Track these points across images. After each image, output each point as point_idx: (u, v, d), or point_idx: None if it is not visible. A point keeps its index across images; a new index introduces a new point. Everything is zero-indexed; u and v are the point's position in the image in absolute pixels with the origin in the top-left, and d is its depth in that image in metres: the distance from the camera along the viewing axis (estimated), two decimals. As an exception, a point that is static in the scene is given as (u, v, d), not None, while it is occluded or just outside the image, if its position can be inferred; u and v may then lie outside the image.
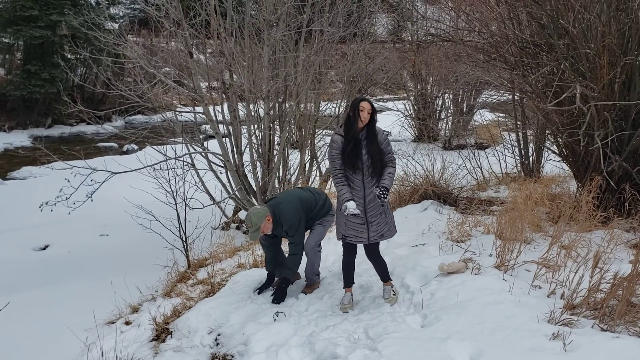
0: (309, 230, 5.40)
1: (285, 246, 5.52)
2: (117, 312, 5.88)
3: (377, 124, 4.83)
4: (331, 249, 6.45)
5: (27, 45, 20.13)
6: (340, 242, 4.91)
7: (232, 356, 4.38)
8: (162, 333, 5.04)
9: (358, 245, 4.82)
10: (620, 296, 3.81)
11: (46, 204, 7.48)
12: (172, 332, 4.97)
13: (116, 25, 19.11)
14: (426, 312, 4.30)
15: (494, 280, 4.59)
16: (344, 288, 5.00)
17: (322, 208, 5.37)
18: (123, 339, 5.02)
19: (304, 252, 5.30)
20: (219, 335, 4.72)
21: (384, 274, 4.91)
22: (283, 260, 5.40)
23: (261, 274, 5.88)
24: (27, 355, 5.28)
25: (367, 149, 4.61)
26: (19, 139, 18.31)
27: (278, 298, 5.12)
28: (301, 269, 5.60)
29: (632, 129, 6.00)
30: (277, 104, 8.77)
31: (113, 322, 5.73)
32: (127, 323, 5.60)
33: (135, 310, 5.96)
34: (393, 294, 4.86)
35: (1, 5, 20.17)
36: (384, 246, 6.31)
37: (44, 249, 8.82)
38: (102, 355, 4.08)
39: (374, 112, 4.70)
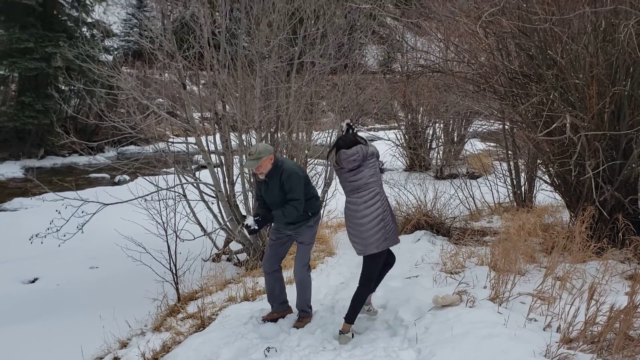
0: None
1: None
2: (106, 348, 5.77)
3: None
4: (323, 282, 6.38)
5: (22, 76, 20.22)
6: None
7: (222, 394, 4.27)
8: (151, 369, 4.93)
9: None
10: (617, 329, 3.75)
11: (36, 235, 7.38)
12: (161, 368, 4.86)
13: (110, 58, 19.22)
14: (420, 347, 4.23)
15: (489, 313, 4.52)
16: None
17: (316, 200, 5.33)
18: (111, 376, 4.91)
19: (295, 278, 5.28)
20: (208, 371, 4.60)
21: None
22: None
23: (252, 307, 5.81)
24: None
25: None
26: (11, 170, 18.22)
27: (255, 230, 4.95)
28: (292, 302, 5.52)
29: (623, 158, 6.00)
30: (269, 134, 8.74)
31: (101, 358, 5.65)
32: (116, 358, 5.51)
33: (124, 345, 5.86)
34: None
35: (-3, 38, 20.34)
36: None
37: (33, 282, 8.68)
38: (89, 394, 3.95)
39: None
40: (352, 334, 4.90)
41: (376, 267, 4.95)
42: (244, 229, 4.98)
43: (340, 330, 4.89)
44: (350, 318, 4.87)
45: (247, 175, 8.59)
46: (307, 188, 5.20)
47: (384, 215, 4.86)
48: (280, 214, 4.96)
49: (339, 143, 5.06)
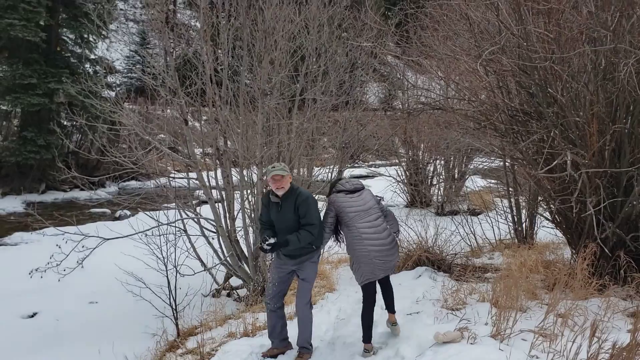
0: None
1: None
2: (104, 384, 5.72)
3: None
4: (323, 318, 6.34)
5: (25, 112, 20.37)
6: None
7: None
8: (149, 407, 4.88)
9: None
10: (620, 367, 3.72)
11: (36, 270, 7.40)
12: (159, 405, 4.81)
13: (113, 94, 19.49)
14: (422, 384, 4.18)
15: (491, 350, 4.48)
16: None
17: (323, 232, 5.34)
18: (109, 413, 4.86)
19: (297, 315, 5.28)
20: (207, 409, 4.56)
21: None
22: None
23: (251, 343, 5.77)
24: None
25: None
26: (12, 204, 18.25)
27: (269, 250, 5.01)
28: (292, 337, 5.49)
29: (624, 195, 6.01)
30: (266, 176, 8.80)
31: (99, 395, 5.58)
32: (114, 395, 5.44)
33: (122, 381, 5.80)
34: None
35: (1, 74, 20.52)
36: (377, 315, 6.25)
37: (32, 316, 8.64)
38: None
39: None
40: (374, 351, 5.21)
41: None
42: (262, 243, 4.96)
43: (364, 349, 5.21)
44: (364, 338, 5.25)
45: (248, 210, 8.63)
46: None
47: None
48: (296, 239, 4.96)
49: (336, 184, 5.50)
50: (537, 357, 4.35)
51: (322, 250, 5.63)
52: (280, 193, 5.08)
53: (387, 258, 5.26)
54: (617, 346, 3.85)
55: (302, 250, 5.15)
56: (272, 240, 4.96)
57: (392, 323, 5.53)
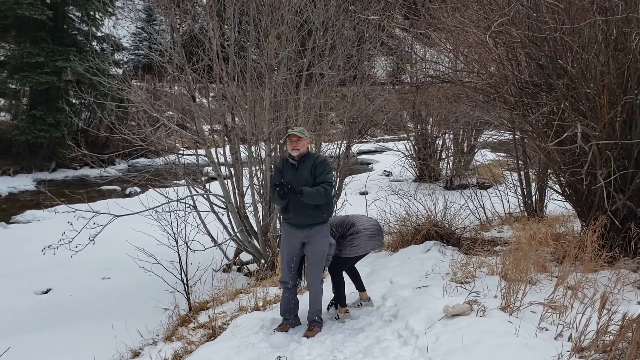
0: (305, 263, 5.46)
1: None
2: (118, 357, 5.84)
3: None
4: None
5: (33, 90, 20.39)
6: None
7: (233, 403, 4.28)
8: (162, 379, 4.95)
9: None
10: (629, 338, 3.72)
11: (49, 247, 7.47)
12: (172, 378, 4.87)
13: (120, 71, 19.39)
14: (431, 356, 4.20)
15: (500, 323, 4.49)
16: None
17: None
18: (123, 385, 4.94)
19: (309, 290, 5.34)
20: (220, 381, 4.61)
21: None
22: None
23: (262, 317, 5.81)
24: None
25: None
26: (24, 182, 18.38)
27: (282, 191, 4.97)
28: (302, 313, 5.53)
29: (635, 167, 5.98)
30: (278, 146, 8.80)
31: (114, 368, 5.66)
32: (128, 368, 5.52)
33: (136, 354, 5.89)
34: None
35: (9, 52, 20.52)
36: (386, 288, 6.28)
37: (46, 292, 8.75)
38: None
39: None
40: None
41: None
42: (279, 188, 4.95)
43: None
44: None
45: (257, 186, 8.64)
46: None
47: None
48: (311, 190, 4.97)
49: None
50: (546, 329, 4.36)
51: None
52: (294, 154, 5.13)
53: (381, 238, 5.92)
54: (627, 318, 3.85)
55: (311, 219, 5.15)
56: (289, 186, 4.93)
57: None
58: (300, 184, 5.04)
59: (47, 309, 8.00)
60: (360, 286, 5.99)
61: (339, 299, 5.74)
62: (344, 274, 5.80)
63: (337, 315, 5.65)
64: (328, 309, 5.74)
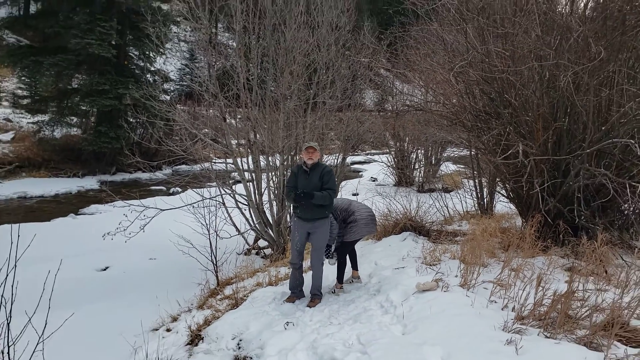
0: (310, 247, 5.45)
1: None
2: (160, 321, 5.80)
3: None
4: (332, 271, 6.36)
5: (99, 111, 20.41)
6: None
7: (251, 358, 4.27)
8: (195, 338, 4.95)
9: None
10: (559, 310, 3.73)
11: (108, 234, 7.48)
12: (203, 337, 4.86)
13: (168, 97, 19.44)
14: (406, 322, 4.19)
15: (460, 296, 4.49)
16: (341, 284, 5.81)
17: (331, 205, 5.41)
18: (164, 343, 4.93)
19: (312, 269, 5.32)
20: (240, 340, 4.60)
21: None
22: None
23: (275, 290, 5.80)
24: (87, 356, 5.16)
25: None
26: (89, 183, 18.38)
27: (298, 197, 5.07)
28: (307, 287, 5.52)
29: (563, 177, 5.99)
30: (289, 157, 8.81)
31: (157, 329, 5.65)
32: (168, 330, 5.52)
33: (174, 319, 5.87)
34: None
35: (81, 82, 20.59)
36: (371, 269, 6.26)
37: (105, 269, 8.73)
38: (147, 357, 3.97)
39: None
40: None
41: None
42: (294, 194, 5.07)
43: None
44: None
45: (273, 188, 8.64)
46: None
47: None
48: (320, 194, 5.05)
49: None
50: (495, 302, 4.36)
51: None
52: (309, 162, 5.16)
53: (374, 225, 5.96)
54: (557, 293, 3.86)
55: (316, 214, 5.17)
56: (303, 191, 5.06)
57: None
58: (310, 187, 5.11)
59: (105, 283, 7.98)
60: (354, 265, 5.98)
61: (338, 276, 5.75)
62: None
63: (334, 290, 5.65)
64: (327, 256, 5.59)
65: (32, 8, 25.93)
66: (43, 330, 3.02)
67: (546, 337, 3.55)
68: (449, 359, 3.38)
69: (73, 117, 21.22)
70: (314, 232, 5.25)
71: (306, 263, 6.28)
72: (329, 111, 9.46)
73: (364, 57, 10.08)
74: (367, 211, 5.80)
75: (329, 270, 6.01)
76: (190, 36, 36.96)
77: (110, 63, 19.91)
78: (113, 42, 19.50)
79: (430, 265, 5.78)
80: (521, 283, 4.49)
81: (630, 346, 3.33)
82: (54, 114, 20.50)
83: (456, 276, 5.12)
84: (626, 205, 6.17)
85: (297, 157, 9.00)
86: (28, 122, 21.53)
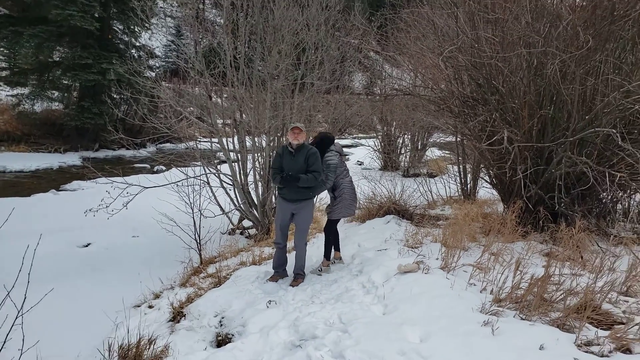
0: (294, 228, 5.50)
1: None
2: (142, 298, 5.82)
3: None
4: (314, 252, 6.43)
5: (82, 86, 20.05)
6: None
7: (233, 335, 4.33)
8: (177, 315, 4.99)
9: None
10: (535, 293, 3.84)
11: (90, 210, 7.41)
12: (185, 314, 4.91)
13: (153, 74, 19.18)
14: (387, 303, 4.28)
15: (440, 279, 4.59)
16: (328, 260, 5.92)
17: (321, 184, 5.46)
18: (146, 320, 4.96)
19: (295, 249, 5.39)
20: (222, 318, 4.66)
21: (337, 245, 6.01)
22: None
23: (258, 270, 5.85)
24: (68, 331, 5.18)
25: None
26: (72, 159, 18.12)
27: (283, 179, 5.12)
28: (290, 268, 5.58)
29: (546, 164, 6.09)
30: (276, 138, 8.79)
31: (139, 306, 5.67)
32: (150, 307, 5.54)
33: (157, 296, 5.90)
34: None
35: (63, 55, 20.15)
36: (355, 250, 6.34)
37: (87, 246, 8.67)
38: (128, 333, 4.00)
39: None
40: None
41: None
42: (280, 177, 5.11)
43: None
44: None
45: (258, 169, 8.64)
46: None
47: None
48: (305, 177, 5.09)
49: (328, 138, 5.73)
50: (474, 284, 4.46)
51: (315, 200, 5.73)
52: (295, 143, 5.17)
53: (353, 204, 5.96)
54: (534, 277, 3.96)
55: (300, 195, 5.21)
56: (289, 173, 5.09)
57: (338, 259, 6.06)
58: (296, 168, 5.13)
59: (87, 259, 7.93)
60: (336, 247, 6.05)
61: (325, 253, 5.87)
62: None
63: (320, 268, 5.73)
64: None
65: (12, -24, 25.13)
66: (22, 304, 3.01)
67: (522, 319, 3.67)
68: (427, 338, 3.48)
69: (54, 91, 20.79)
70: (298, 212, 5.30)
71: (290, 243, 6.34)
72: (316, 93, 9.43)
73: (353, 38, 10.04)
74: (352, 195, 5.87)
75: (313, 250, 6.08)
76: (176, 11, 36.28)
77: (93, 36, 19.49)
78: (96, 15, 19.08)
79: (412, 248, 5.87)
80: (500, 267, 4.61)
81: (601, 328, 3.46)
82: (34, 87, 20.06)
83: (437, 259, 5.21)
84: (605, 194, 6.33)
85: (284, 138, 8.99)
86: (7, 95, 21.08)
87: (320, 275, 5.59)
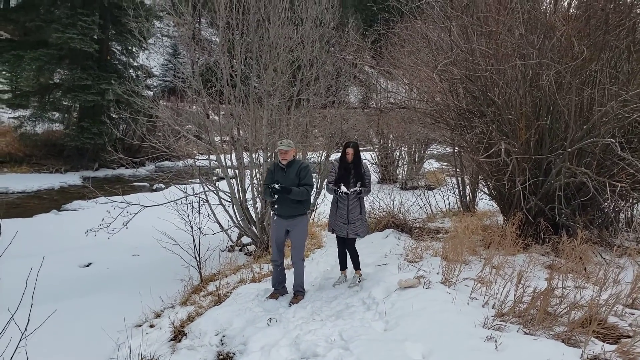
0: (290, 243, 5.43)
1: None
2: (144, 317, 5.73)
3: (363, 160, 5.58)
4: (313, 268, 6.34)
5: (82, 107, 20.14)
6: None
7: (234, 354, 4.23)
8: (178, 334, 4.89)
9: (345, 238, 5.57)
10: (538, 307, 3.76)
11: (90, 230, 7.35)
12: (186, 333, 4.81)
13: (151, 93, 19.19)
14: (388, 319, 4.19)
15: (441, 293, 4.51)
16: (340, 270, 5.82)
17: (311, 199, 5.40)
18: (147, 339, 4.87)
19: (293, 266, 5.29)
20: (223, 336, 4.57)
21: (355, 263, 5.63)
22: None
23: (258, 287, 5.76)
24: (71, 352, 5.07)
25: (353, 173, 5.41)
26: (72, 179, 18.09)
27: (274, 191, 4.98)
28: (289, 285, 5.49)
29: (544, 176, 6.05)
30: (273, 154, 8.74)
31: (140, 325, 5.57)
32: (151, 326, 5.45)
33: (157, 315, 5.80)
34: (358, 281, 5.46)
35: (63, 76, 20.24)
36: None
37: (88, 266, 8.59)
38: (130, 353, 3.90)
39: (357, 152, 5.48)
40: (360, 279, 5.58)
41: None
42: (272, 189, 4.99)
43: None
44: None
45: (256, 185, 8.58)
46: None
47: None
48: (297, 190, 5.01)
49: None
50: (476, 299, 4.38)
51: (310, 216, 5.65)
52: (284, 162, 5.14)
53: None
54: (537, 290, 3.88)
55: (294, 211, 5.15)
56: (280, 185, 4.99)
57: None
58: (288, 183, 5.07)
59: (88, 279, 7.86)
60: (344, 265, 5.87)
61: (340, 264, 5.83)
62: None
63: (344, 280, 5.72)
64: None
65: (12, 1, 25.38)
66: (26, 327, 2.97)
67: (525, 333, 3.58)
68: (430, 355, 3.39)
69: (55, 112, 20.87)
70: (292, 229, 5.23)
71: (288, 260, 6.26)
72: (313, 108, 9.40)
73: (348, 54, 10.06)
74: (342, 216, 5.50)
75: (312, 267, 5.99)
76: (173, 31, 36.54)
77: (92, 58, 19.62)
78: (95, 37, 19.20)
79: (412, 263, 5.79)
80: (502, 280, 4.52)
81: (607, 342, 3.37)
82: (36, 109, 20.14)
83: (438, 273, 5.13)
84: (606, 204, 6.26)
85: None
86: (9, 117, 21.12)
87: (322, 290, 5.51)
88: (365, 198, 5.58)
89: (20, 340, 2.92)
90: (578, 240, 4.92)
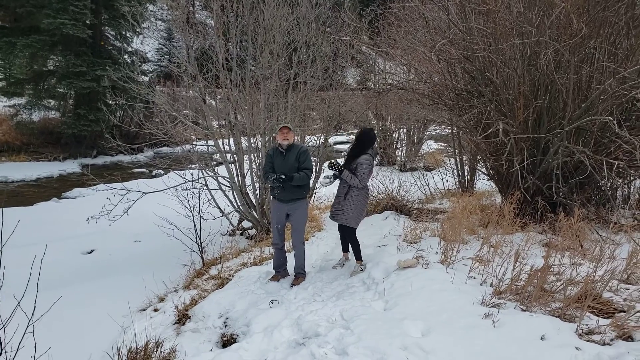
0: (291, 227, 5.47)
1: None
2: (147, 302, 5.81)
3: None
4: (314, 250, 6.42)
5: (78, 94, 20.01)
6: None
7: (237, 335, 4.33)
8: (182, 318, 4.99)
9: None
10: (535, 284, 3.83)
11: (92, 217, 7.40)
12: (190, 316, 4.90)
13: (146, 79, 19.10)
14: (388, 298, 4.28)
15: (439, 273, 4.59)
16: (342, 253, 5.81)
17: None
18: (152, 323, 4.97)
19: (293, 249, 5.36)
20: (227, 319, 4.66)
21: (356, 254, 5.44)
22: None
23: (259, 270, 5.84)
24: (76, 337, 5.17)
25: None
26: (71, 166, 18.09)
27: (280, 180, 5.01)
28: (290, 267, 5.57)
29: (542, 155, 6.08)
30: (271, 138, 8.76)
31: (144, 310, 5.66)
32: (155, 310, 5.53)
33: (161, 300, 5.88)
34: (360, 270, 5.34)
35: (57, 63, 20.09)
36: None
37: (90, 252, 8.66)
38: (135, 336, 4.00)
39: (359, 138, 5.29)
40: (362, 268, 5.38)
41: None
42: (276, 180, 5.00)
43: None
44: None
45: (255, 169, 8.62)
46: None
47: None
48: (298, 175, 5.03)
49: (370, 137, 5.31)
50: (474, 277, 4.46)
51: (310, 199, 5.69)
52: (284, 143, 5.11)
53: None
54: (533, 268, 3.96)
55: (294, 195, 5.18)
56: (282, 176, 5.01)
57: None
58: (287, 168, 5.09)
59: (92, 266, 7.93)
60: (344, 248, 5.89)
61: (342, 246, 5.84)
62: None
63: (343, 263, 5.76)
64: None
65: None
66: (32, 313, 3.04)
67: (522, 310, 3.67)
68: (429, 333, 3.48)
69: (50, 100, 20.74)
70: (292, 212, 5.28)
71: (289, 243, 6.33)
72: (310, 91, 9.38)
73: (345, 34, 10.00)
74: (338, 200, 5.45)
75: (312, 249, 6.06)
76: (167, 15, 36.15)
77: (86, 44, 19.43)
78: (88, 22, 19.00)
79: (411, 243, 5.87)
80: (499, 259, 4.60)
81: (601, 317, 3.46)
82: (31, 96, 20.04)
83: (436, 253, 5.21)
84: (603, 182, 6.32)
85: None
86: (5, 106, 21.01)
87: (335, 269, 5.61)
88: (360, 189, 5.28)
89: (27, 326, 2.99)
90: (575, 218, 4.98)
